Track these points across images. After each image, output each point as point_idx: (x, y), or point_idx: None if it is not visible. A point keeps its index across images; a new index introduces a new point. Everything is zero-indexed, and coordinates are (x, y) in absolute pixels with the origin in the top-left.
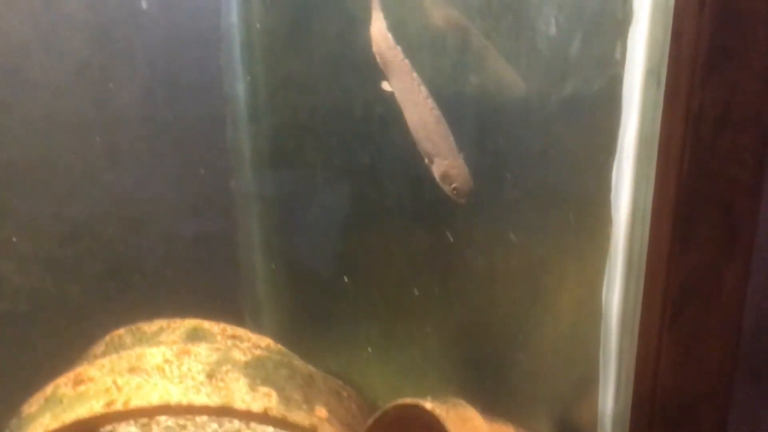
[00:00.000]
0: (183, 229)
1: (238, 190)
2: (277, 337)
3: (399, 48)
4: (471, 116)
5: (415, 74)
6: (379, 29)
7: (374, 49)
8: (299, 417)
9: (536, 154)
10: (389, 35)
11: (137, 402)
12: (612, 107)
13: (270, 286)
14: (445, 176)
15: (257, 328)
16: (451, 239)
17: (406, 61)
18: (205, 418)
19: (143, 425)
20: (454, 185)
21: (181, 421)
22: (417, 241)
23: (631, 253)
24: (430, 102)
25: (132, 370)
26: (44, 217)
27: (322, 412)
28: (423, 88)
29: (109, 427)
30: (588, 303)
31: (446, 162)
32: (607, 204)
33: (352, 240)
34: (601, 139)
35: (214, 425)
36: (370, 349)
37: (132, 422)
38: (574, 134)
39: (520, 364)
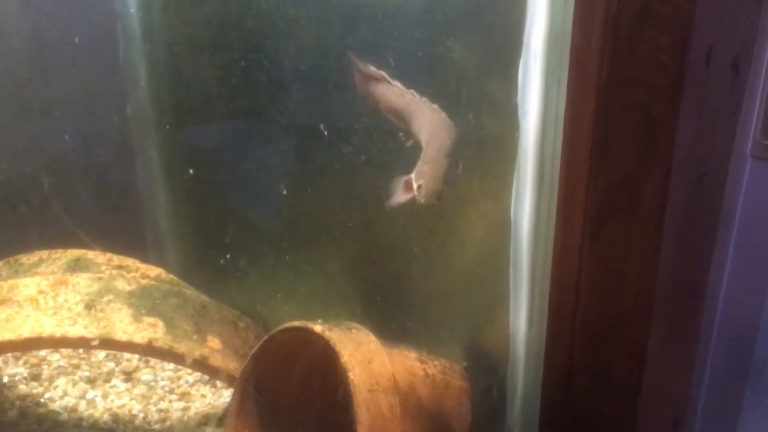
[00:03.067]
0: (74, 158)
1: (134, 115)
2: (181, 270)
3: (383, 73)
4: (369, 17)
5: (405, 89)
6: (362, 74)
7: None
8: (188, 347)
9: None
10: (369, 68)
11: (6, 335)
12: (516, 1)
13: (172, 217)
14: (419, 173)
15: (160, 261)
16: (350, 153)
17: (395, 82)
18: (101, 356)
19: (33, 366)
20: (420, 182)
21: (74, 361)
22: (319, 160)
23: (542, 163)
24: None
25: (2, 302)
26: None
27: (214, 342)
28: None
29: None
30: (495, 218)
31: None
32: (513, 107)
33: (255, 163)
34: (504, 36)
35: (111, 364)
36: (274, 280)
37: (21, 364)
38: (476, 31)
39: (424, 288)
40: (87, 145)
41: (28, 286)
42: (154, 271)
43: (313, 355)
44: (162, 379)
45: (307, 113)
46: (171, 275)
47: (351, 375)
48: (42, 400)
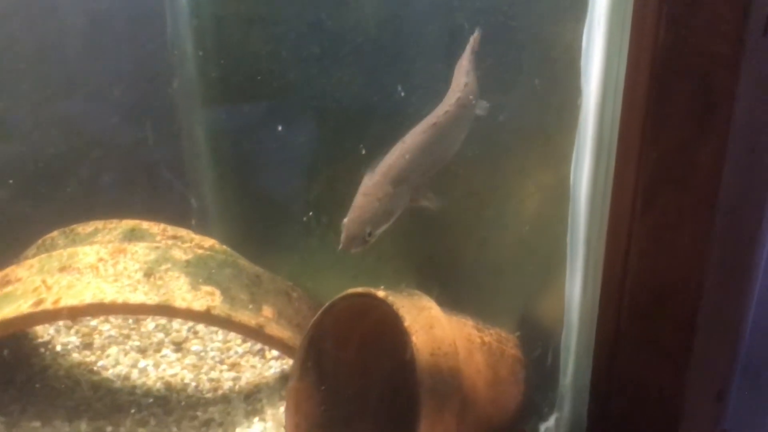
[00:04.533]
0: (121, 133)
1: (180, 91)
2: (226, 244)
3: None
4: None
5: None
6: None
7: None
8: (245, 317)
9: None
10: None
11: (68, 301)
12: None
13: (217, 192)
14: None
15: (205, 236)
16: (402, 126)
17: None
18: (150, 326)
19: (84, 335)
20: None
21: (125, 331)
22: (370, 135)
23: (601, 130)
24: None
25: (63, 269)
26: None
27: (269, 311)
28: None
29: (47, 337)
30: (554, 186)
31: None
32: (576, 72)
33: (302, 138)
34: (569, 1)
35: (160, 334)
36: (322, 253)
37: (72, 333)
38: None
39: (479, 259)
40: (133, 120)
41: (87, 254)
42: (208, 242)
43: (373, 322)
44: (212, 350)
45: (360, 88)
46: (224, 246)
47: (414, 339)
48: (95, 368)
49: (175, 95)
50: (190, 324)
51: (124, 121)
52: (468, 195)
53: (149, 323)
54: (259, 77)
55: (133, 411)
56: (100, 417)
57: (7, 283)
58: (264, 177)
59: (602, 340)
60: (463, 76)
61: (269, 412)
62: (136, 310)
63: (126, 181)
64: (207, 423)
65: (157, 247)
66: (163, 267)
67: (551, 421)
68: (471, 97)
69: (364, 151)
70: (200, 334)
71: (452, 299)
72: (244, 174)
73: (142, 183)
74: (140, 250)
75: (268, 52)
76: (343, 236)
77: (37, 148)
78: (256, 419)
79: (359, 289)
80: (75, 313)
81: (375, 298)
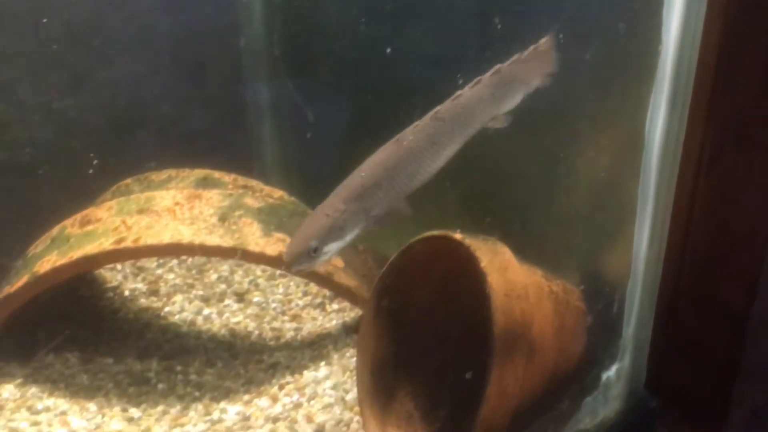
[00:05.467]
0: (188, 88)
1: (247, 48)
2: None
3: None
4: None
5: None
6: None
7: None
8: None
9: None
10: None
11: (148, 240)
12: None
13: (278, 149)
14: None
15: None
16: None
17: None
18: (213, 277)
19: (150, 282)
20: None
21: (189, 280)
22: (439, 89)
23: (677, 80)
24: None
25: (141, 211)
26: (45, 65)
27: (337, 261)
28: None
29: (115, 283)
30: (629, 137)
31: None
32: (658, 19)
33: (370, 97)
34: None
35: (223, 285)
36: None
37: (139, 280)
38: None
39: (551, 210)
40: (201, 76)
41: (164, 198)
42: (277, 192)
43: (446, 267)
44: (273, 302)
45: (431, 44)
46: (292, 197)
47: (489, 279)
48: (162, 314)
49: (242, 52)
50: (252, 277)
51: (191, 77)
52: (539, 149)
53: (212, 274)
54: (327, 36)
55: (200, 353)
56: (169, 357)
57: (88, 222)
58: (324, 133)
59: (664, 294)
60: (469, 88)
61: (335, 357)
62: (211, 252)
63: (191, 133)
64: (273, 366)
65: (231, 195)
66: (237, 213)
67: (612, 371)
68: (474, 109)
69: (425, 102)
70: (261, 287)
71: (520, 252)
72: (304, 129)
73: (206, 136)
74: (214, 196)
75: (337, 10)
76: (284, 253)
77: (108, 101)
78: (322, 363)
79: (437, 232)
80: (154, 252)
81: (452, 240)
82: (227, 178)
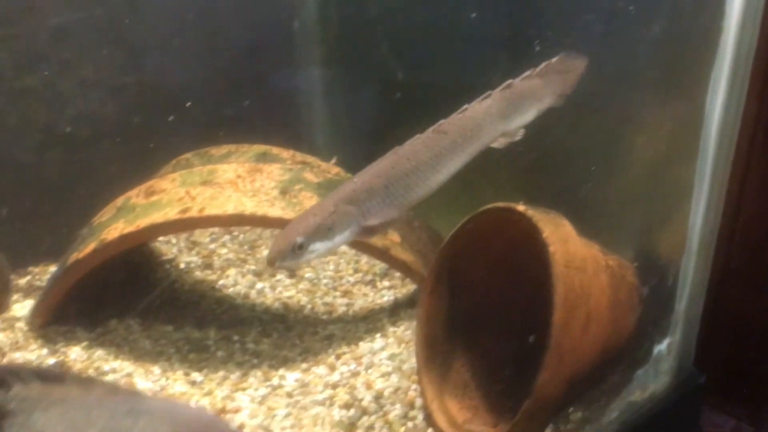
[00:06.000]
0: (242, 67)
1: (300, 30)
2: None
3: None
4: None
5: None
6: None
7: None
8: (373, 239)
9: None
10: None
11: (212, 211)
12: None
13: (329, 132)
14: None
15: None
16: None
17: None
18: (264, 253)
19: (204, 256)
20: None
21: (242, 255)
22: (499, 70)
23: (738, 56)
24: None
25: (204, 183)
26: (106, 42)
27: (394, 236)
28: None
29: (171, 256)
30: (690, 113)
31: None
32: None
33: (419, 84)
34: None
35: None
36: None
37: (194, 254)
38: None
39: (609, 186)
40: (255, 56)
41: (226, 170)
42: (334, 169)
43: (506, 240)
44: (324, 278)
45: (489, 28)
46: (349, 174)
47: (551, 249)
48: (216, 286)
49: (295, 35)
50: None
51: (245, 57)
52: (599, 126)
53: (264, 250)
54: (382, 19)
55: (255, 324)
56: (226, 327)
57: (153, 193)
58: (375, 116)
59: (715, 272)
60: (477, 102)
61: (390, 329)
62: (273, 223)
63: (244, 114)
64: (329, 337)
65: (291, 169)
66: (297, 187)
67: (664, 345)
68: (480, 123)
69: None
70: (312, 263)
71: (577, 228)
72: (356, 112)
73: (261, 114)
74: (275, 170)
75: None
76: (269, 249)
77: (165, 79)
78: (377, 335)
79: (500, 204)
80: (218, 222)
81: (515, 211)
82: (285, 153)
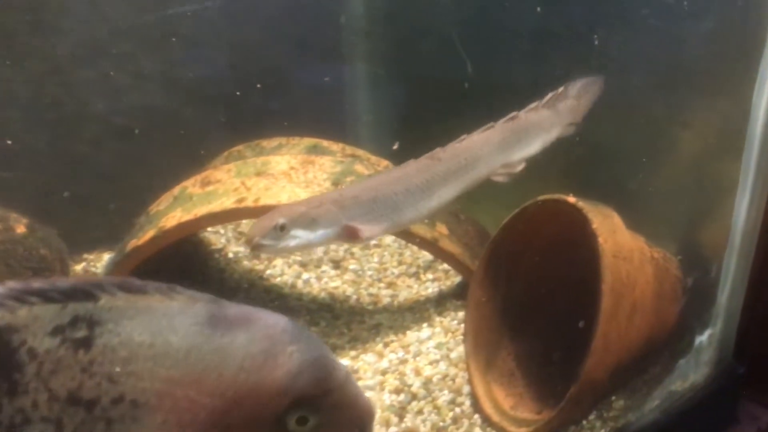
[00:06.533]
0: (288, 61)
1: (347, 25)
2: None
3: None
4: None
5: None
6: None
7: None
8: (422, 230)
9: None
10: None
11: (267, 201)
12: None
13: (373, 126)
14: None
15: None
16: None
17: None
18: None
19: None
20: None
21: None
22: (544, 68)
23: None
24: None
25: (258, 174)
26: (161, 36)
27: (442, 228)
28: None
29: (219, 246)
30: (736, 108)
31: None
32: None
33: (465, 80)
34: None
35: (320, 252)
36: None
37: (241, 244)
38: None
39: (654, 181)
40: (303, 50)
41: (279, 162)
42: (383, 162)
43: (555, 230)
44: (368, 270)
45: (538, 23)
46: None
47: (600, 240)
48: (264, 276)
49: (342, 29)
50: (347, 245)
51: (293, 50)
52: (646, 121)
53: None
54: (429, 15)
55: (303, 313)
56: None
57: (208, 183)
58: (419, 110)
59: (756, 265)
60: (478, 132)
61: (437, 319)
62: None
63: (293, 104)
64: (376, 327)
65: (342, 162)
66: (348, 179)
67: (705, 336)
68: (478, 154)
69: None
70: (356, 255)
71: (623, 220)
72: (400, 109)
73: (308, 107)
74: (327, 162)
75: None
76: (250, 228)
77: (217, 73)
78: (424, 325)
79: (550, 195)
80: None
81: (565, 203)
82: (335, 146)
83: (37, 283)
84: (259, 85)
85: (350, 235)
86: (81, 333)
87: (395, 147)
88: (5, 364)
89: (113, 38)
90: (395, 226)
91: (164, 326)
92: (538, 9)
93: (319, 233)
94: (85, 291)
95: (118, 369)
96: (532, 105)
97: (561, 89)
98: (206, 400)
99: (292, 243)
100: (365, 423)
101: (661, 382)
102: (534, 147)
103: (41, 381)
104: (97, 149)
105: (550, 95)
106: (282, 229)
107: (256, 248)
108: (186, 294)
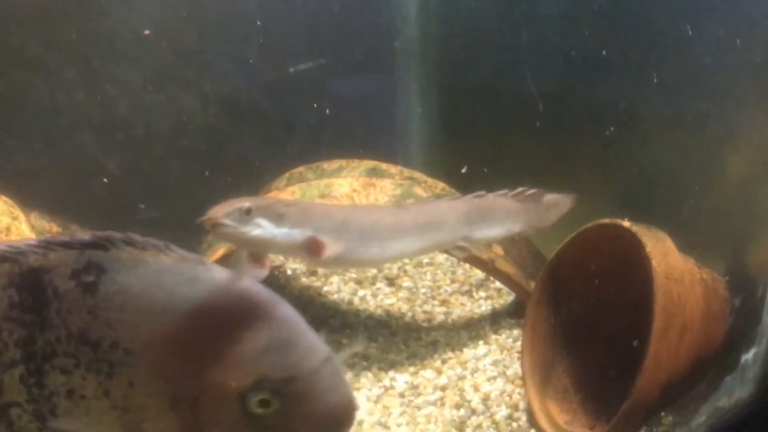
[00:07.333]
0: (345, 84)
1: (400, 49)
2: None
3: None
4: None
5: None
6: None
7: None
8: (480, 252)
9: None
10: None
11: None
12: None
13: (426, 147)
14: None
15: None
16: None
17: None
18: None
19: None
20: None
21: None
22: (598, 94)
23: None
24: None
25: (322, 196)
26: (224, 61)
27: (498, 249)
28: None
29: (278, 263)
30: None
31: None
32: None
33: (518, 103)
34: None
35: (374, 270)
36: None
37: (298, 262)
38: None
39: (704, 204)
40: (357, 73)
41: (342, 185)
42: (439, 184)
43: (608, 253)
44: (422, 287)
45: (593, 48)
46: (453, 189)
47: (654, 262)
48: (321, 292)
49: (396, 53)
50: (400, 263)
51: (348, 74)
52: (694, 146)
53: None
54: (486, 37)
55: (361, 329)
56: (335, 331)
57: None
58: (474, 135)
59: None
60: (449, 199)
61: (492, 337)
62: None
63: (349, 126)
64: (433, 344)
65: (401, 184)
66: (408, 201)
67: (750, 354)
68: (444, 217)
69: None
70: (410, 273)
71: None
72: (453, 131)
73: (363, 129)
74: (387, 185)
75: (496, 14)
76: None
77: (275, 96)
78: (480, 342)
79: (606, 220)
80: None
81: (620, 226)
82: (393, 169)
83: (62, 236)
84: (315, 108)
85: (313, 248)
86: (91, 278)
87: (464, 170)
88: (38, 301)
89: (179, 64)
90: (358, 257)
91: (152, 282)
92: (590, 35)
93: (284, 231)
94: (99, 242)
95: (114, 315)
96: (502, 191)
97: (534, 191)
98: (179, 359)
99: (254, 232)
100: (337, 422)
101: (708, 398)
102: (496, 231)
103: (62, 319)
104: (164, 169)
105: (519, 190)
106: (247, 213)
107: (214, 227)
108: (178, 253)
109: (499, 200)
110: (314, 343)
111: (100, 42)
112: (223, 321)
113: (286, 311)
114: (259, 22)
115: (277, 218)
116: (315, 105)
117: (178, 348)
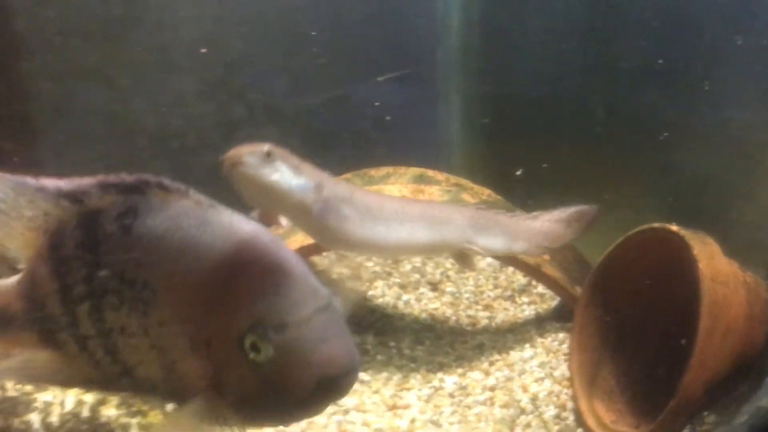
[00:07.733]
0: (386, 93)
1: (443, 59)
2: None
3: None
4: None
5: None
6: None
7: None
8: (526, 257)
9: None
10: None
11: None
12: None
13: (466, 156)
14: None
15: None
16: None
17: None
18: (407, 267)
19: (353, 268)
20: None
21: (387, 269)
22: (637, 106)
23: None
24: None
25: None
26: (271, 72)
27: (545, 255)
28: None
29: (323, 267)
30: None
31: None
32: None
33: (561, 115)
34: None
35: (417, 275)
36: None
37: (344, 265)
38: None
39: (747, 210)
40: (398, 83)
41: (391, 191)
42: (485, 191)
43: (655, 257)
44: (465, 292)
45: (637, 62)
46: (499, 196)
47: (700, 266)
48: (367, 296)
49: (437, 63)
50: (442, 269)
51: (389, 84)
52: (738, 152)
53: (406, 264)
54: (529, 48)
55: (408, 332)
56: (382, 334)
57: None
58: (513, 147)
59: None
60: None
61: (538, 340)
62: None
63: (392, 135)
64: (479, 347)
65: (449, 191)
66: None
67: None
68: (451, 217)
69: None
70: (452, 278)
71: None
72: (494, 142)
73: (406, 137)
74: (435, 191)
75: (540, 26)
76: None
77: (321, 105)
78: (526, 345)
79: (654, 224)
80: None
81: (668, 231)
82: (440, 176)
83: (112, 177)
84: (359, 118)
85: (323, 207)
86: (128, 220)
87: (519, 173)
88: (94, 242)
89: (229, 74)
90: (363, 234)
91: (172, 225)
92: (636, 45)
93: (300, 182)
94: (140, 185)
95: (143, 257)
96: (514, 213)
97: (551, 212)
98: (191, 300)
99: (273, 175)
100: (328, 376)
101: (749, 398)
102: (498, 244)
103: (109, 258)
104: (213, 178)
105: (536, 214)
106: (269, 156)
107: (235, 165)
108: (195, 198)
109: (502, 216)
110: (312, 291)
111: (154, 54)
112: (226, 264)
113: (287, 257)
114: (303, 28)
115: (296, 169)
116: (361, 113)
117: (189, 289)
